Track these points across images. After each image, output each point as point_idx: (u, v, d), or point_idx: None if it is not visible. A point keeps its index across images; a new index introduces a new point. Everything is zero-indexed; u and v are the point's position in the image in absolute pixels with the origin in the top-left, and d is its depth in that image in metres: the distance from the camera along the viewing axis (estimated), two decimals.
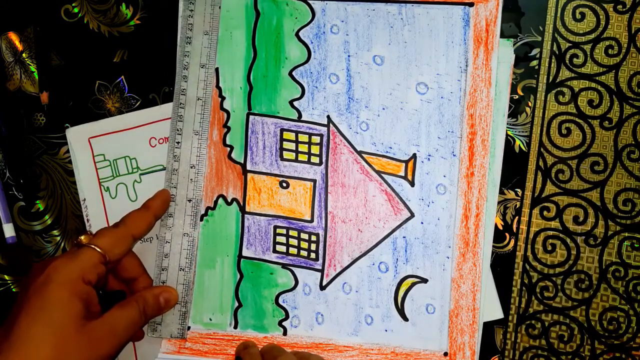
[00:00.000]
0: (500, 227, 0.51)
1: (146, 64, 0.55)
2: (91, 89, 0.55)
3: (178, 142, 0.53)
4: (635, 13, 0.50)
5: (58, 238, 0.55)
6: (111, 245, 0.47)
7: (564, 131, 0.51)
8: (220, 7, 0.53)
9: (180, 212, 0.53)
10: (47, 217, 0.55)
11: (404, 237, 0.51)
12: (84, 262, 0.45)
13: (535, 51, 0.51)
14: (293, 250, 0.52)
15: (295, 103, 0.52)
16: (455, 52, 0.51)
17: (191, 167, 0.53)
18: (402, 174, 0.51)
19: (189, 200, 0.53)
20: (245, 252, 0.53)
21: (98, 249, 0.46)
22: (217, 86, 0.53)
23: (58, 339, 0.41)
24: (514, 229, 0.51)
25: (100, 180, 0.54)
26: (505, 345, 0.51)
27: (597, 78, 0.51)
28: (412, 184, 0.51)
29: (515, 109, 0.51)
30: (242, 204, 0.53)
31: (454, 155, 0.51)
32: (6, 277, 0.56)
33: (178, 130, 0.53)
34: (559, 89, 0.51)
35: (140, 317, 0.47)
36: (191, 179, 0.53)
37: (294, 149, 0.52)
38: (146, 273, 0.52)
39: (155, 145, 0.54)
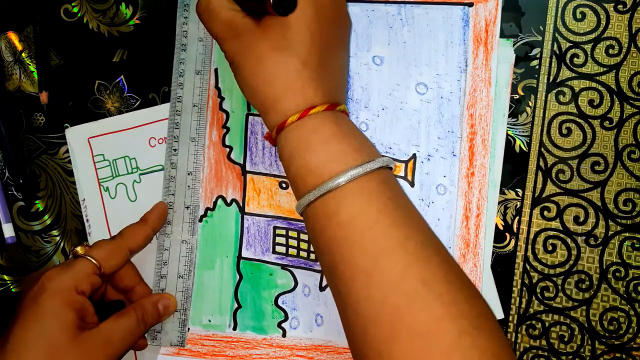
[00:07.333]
0: (501, 227, 0.51)
1: (146, 63, 0.55)
2: (91, 89, 0.55)
3: (175, 149, 0.53)
4: (635, 13, 0.50)
5: (57, 238, 0.55)
6: (107, 256, 0.47)
7: (564, 131, 0.51)
8: None
9: (178, 219, 0.53)
10: (46, 217, 0.55)
11: None
12: (77, 273, 0.45)
13: (535, 51, 0.51)
14: (292, 251, 0.52)
15: None
16: (455, 52, 0.51)
17: (188, 174, 0.53)
18: (402, 174, 0.51)
19: (187, 207, 0.53)
20: (244, 253, 0.53)
21: (93, 260, 0.46)
22: (217, 87, 0.53)
23: (51, 349, 0.42)
24: (515, 229, 0.51)
25: (100, 180, 0.54)
26: None
27: (597, 78, 0.50)
28: (412, 184, 0.51)
29: (516, 108, 0.51)
30: (241, 204, 0.53)
31: (454, 156, 0.51)
32: (6, 277, 0.56)
33: (175, 137, 0.53)
34: (559, 88, 0.51)
35: (138, 326, 0.47)
36: (188, 186, 0.53)
37: None
38: (143, 281, 0.52)
39: (155, 145, 0.54)
